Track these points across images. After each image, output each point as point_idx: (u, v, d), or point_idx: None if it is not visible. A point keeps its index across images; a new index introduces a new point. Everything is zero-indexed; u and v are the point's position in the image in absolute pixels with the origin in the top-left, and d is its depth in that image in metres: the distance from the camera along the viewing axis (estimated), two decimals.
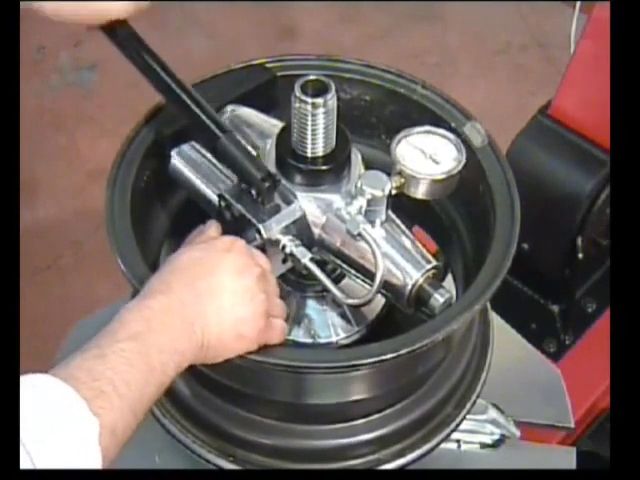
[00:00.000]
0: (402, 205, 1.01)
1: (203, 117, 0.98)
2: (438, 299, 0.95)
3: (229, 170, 1.06)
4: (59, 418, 0.70)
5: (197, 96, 1.00)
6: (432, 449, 1.07)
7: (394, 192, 0.98)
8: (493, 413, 1.25)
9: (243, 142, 0.98)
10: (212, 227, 0.98)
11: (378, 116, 1.17)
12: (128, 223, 1.00)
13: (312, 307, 1.09)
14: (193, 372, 1.07)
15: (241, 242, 0.93)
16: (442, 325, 0.92)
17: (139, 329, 0.81)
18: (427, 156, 1.01)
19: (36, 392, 0.70)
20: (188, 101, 0.99)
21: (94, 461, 0.72)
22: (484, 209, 1.05)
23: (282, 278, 1.05)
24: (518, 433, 1.27)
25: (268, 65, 1.14)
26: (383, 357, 0.90)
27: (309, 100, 0.94)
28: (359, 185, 0.96)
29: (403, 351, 0.90)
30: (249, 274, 0.90)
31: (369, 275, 0.97)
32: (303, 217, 0.99)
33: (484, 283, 0.96)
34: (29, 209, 2.50)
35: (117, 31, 0.98)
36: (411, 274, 0.96)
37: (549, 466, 1.26)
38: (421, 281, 0.96)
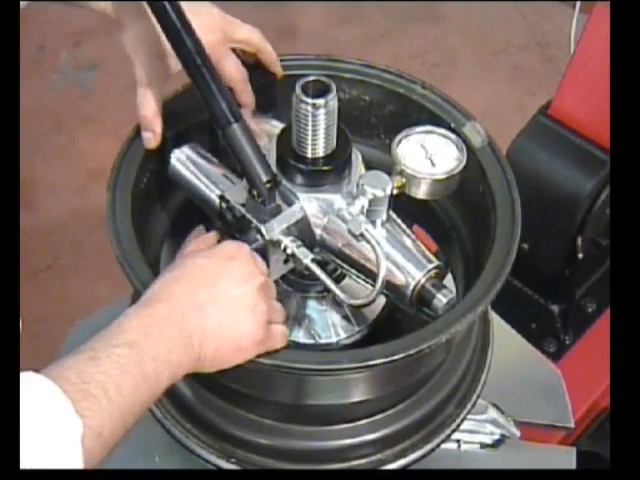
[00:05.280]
0: (402, 205, 1.01)
1: (219, 97, 0.94)
2: (441, 300, 0.95)
3: (230, 169, 1.06)
4: (43, 417, 0.70)
5: (219, 75, 0.95)
6: (433, 449, 1.07)
7: (395, 192, 0.98)
8: (493, 413, 1.25)
9: (252, 134, 0.96)
10: (212, 235, 0.98)
11: (377, 116, 1.17)
12: (128, 223, 0.99)
13: (313, 307, 1.09)
14: (193, 373, 1.07)
15: (245, 249, 0.92)
16: (446, 327, 0.92)
17: (136, 337, 0.80)
18: (428, 156, 1.01)
19: (23, 390, 0.70)
20: (208, 76, 0.93)
21: (75, 462, 0.71)
22: (484, 209, 1.05)
23: (282, 278, 1.05)
24: (518, 433, 1.27)
25: None
26: (391, 358, 0.89)
27: (310, 101, 0.94)
28: (360, 185, 0.96)
29: (411, 352, 0.90)
30: (253, 283, 0.89)
31: (371, 275, 0.97)
32: (304, 218, 0.99)
33: (487, 284, 0.96)
34: (29, 209, 2.50)
35: None
36: (413, 274, 0.96)
37: (549, 466, 1.26)
38: (423, 281, 0.96)
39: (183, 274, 0.88)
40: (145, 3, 0.93)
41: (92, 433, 0.73)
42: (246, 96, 1.08)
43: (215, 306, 0.87)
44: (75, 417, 0.72)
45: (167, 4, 0.91)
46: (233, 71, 1.06)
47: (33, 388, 0.71)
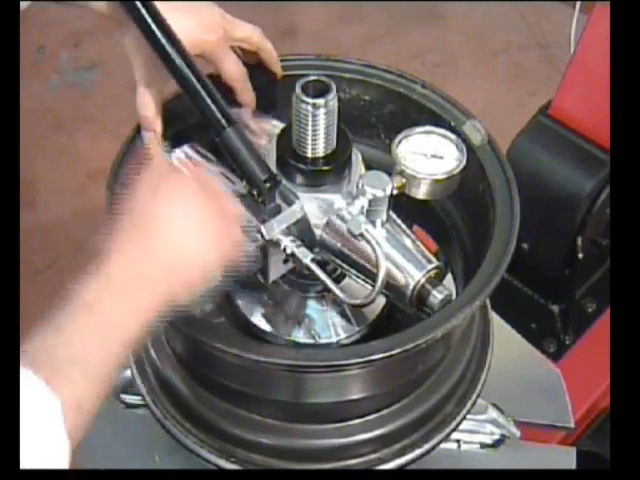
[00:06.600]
0: (402, 205, 1.01)
1: (210, 103, 0.95)
2: (436, 296, 0.95)
3: (229, 169, 1.06)
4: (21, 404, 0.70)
5: (207, 81, 0.97)
6: (433, 448, 1.07)
7: (395, 192, 0.98)
8: (493, 413, 1.25)
9: (248, 136, 0.97)
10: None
11: (377, 116, 1.17)
12: None
13: (312, 307, 1.09)
14: (192, 373, 1.07)
15: (176, 180, 0.90)
16: (442, 321, 0.92)
17: (93, 297, 0.79)
18: (428, 156, 1.01)
19: None
20: (197, 85, 0.95)
21: (59, 438, 0.71)
22: (484, 208, 1.05)
23: (282, 278, 1.05)
24: (518, 433, 1.27)
25: None
26: (388, 353, 0.89)
27: (310, 100, 0.94)
28: (360, 185, 0.96)
29: (408, 346, 0.90)
30: (196, 207, 0.88)
31: (371, 275, 0.97)
32: (304, 217, 0.99)
33: (483, 280, 0.96)
34: (29, 209, 2.50)
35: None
36: (413, 274, 0.96)
37: (549, 466, 1.26)
38: (423, 281, 0.96)
39: (130, 226, 0.87)
40: (130, 19, 0.95)
41: (71, 406, 0.73)
42: (246, 95, 1.08)
43: (168, 248, 0.86)
44: (50, 393, 0.71)
45: (152, 23, 0.94)
46: (233, 70, 1.06)
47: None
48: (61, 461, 0.72)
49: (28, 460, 0.69)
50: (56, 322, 0.77)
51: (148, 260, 0.85)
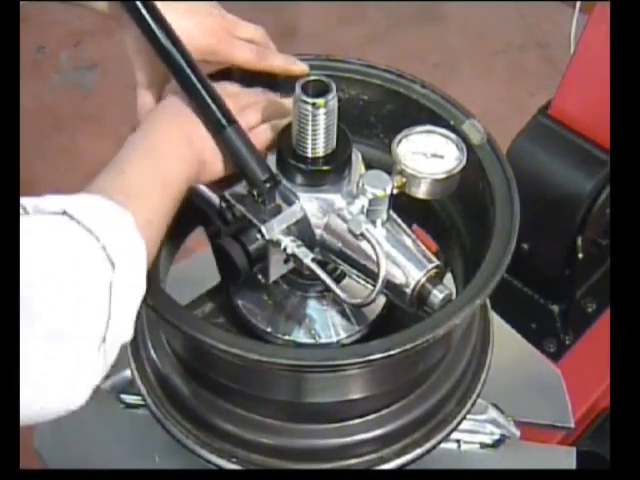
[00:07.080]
0: (401, 204, 1.01)
1: (211, 103, 0.95)
2: (437, 295, 0.95)
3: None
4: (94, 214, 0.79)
5: (208, 80, 0.96)
6: (433, 447, 1.07)
7: (395, 192, 0.98)
8: (493, 413, 1.25)
9: (249, 136, 0.97)
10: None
11: (377, 115, 1.17)
12: None
13: (313, 307, 1.09)
14: (192, 373, 1.07)
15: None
16: (444, 320, 0.92)
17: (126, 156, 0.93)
18: (428, 156, 1.01)
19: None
20: (198, 84, 0.95)
21: (138, 246, 0.80)
22: (484, 207, 1.05)
23: (282, 278, 1.05)
24: (518, 433, 1.27)
25: None
26: (388, 353, 0.89)
27: (310, 100, 0.94)
28: (361, 185, 0.96)
29: (407, 346, 0.90)
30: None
31: (371, 275, 0.97)
32: (304, 217, 0.99)
33: (484, 279, 0.96)
34: None
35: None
36: (413, 274, 0.96)
37: (549, 466, 1.26)
38: (423, 280, 0.96)
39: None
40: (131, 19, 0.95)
41: (141, 221, 0.82)
42: (279, 61, 1.08)
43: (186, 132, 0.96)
44: (123, 210, 0.81)
45: (152, 23, 0.94)
46: (247, 59, 1.05)
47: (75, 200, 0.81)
48: (141, 263, 0.81)
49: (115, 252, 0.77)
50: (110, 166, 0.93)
51: (175, 135, 0.95)
